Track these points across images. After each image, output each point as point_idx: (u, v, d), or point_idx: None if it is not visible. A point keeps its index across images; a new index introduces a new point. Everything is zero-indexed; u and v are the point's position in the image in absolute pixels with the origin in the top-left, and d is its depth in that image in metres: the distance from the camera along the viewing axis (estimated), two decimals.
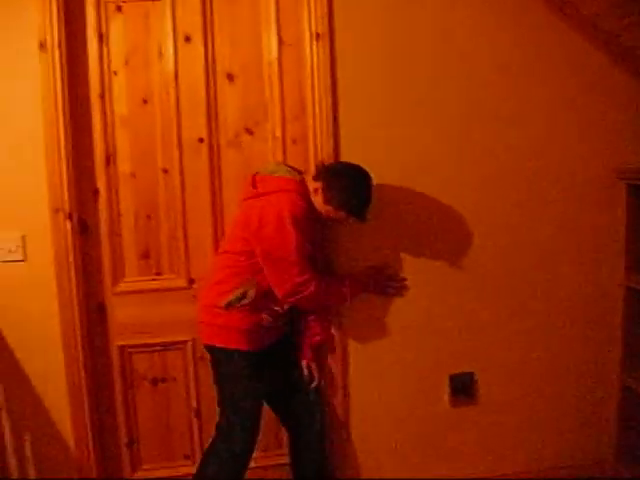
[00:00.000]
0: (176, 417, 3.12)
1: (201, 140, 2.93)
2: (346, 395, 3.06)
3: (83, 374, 2.90)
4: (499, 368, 3.12)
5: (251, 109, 2.93)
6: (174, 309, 3.02)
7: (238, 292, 2.62)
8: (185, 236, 2.99)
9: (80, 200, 2.87)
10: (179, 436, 3.13)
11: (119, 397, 3.05)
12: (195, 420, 3.11)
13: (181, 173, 2.95)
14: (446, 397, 3.09)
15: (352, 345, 3.02)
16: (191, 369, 3.08)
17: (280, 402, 2.90)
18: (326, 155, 2.87)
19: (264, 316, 2.67)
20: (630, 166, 3.03)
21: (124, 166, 2.92)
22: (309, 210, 2.61)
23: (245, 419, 2.67)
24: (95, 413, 2.97)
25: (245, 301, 2.61)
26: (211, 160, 2.95)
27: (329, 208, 2.65)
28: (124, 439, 3.08)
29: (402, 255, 2.99)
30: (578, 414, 3.23)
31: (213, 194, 2.97)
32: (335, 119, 2.88)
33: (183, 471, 3.09)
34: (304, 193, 2.64)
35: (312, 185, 2.67)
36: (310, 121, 2.91)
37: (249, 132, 2.95)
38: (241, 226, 2.65)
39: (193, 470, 2.82)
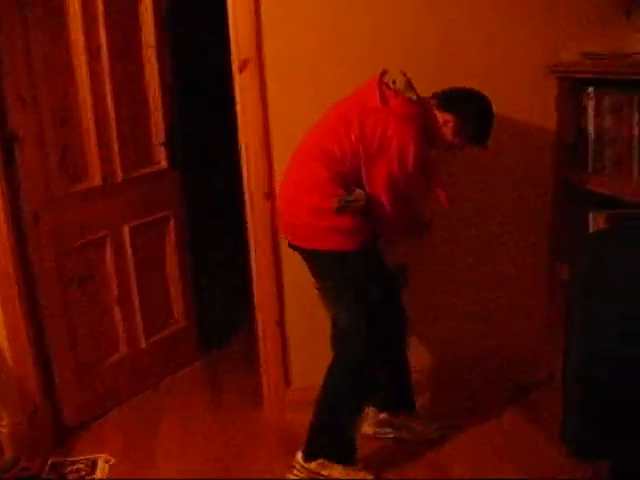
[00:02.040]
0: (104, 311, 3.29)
1: None
2: None
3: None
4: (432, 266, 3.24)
5: None
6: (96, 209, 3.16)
7: (350, 195, 2.53)
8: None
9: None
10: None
11: (55, 299, 3.09)
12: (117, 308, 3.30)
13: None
14: None
15: None
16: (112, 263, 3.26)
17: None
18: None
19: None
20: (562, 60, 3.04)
21: None
22: (426, 144, 2.58)
23: (368, 315, 2.65)
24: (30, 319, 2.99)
25: (358, 203, 2.54)
26: None
27: (459, 139, 2.65)
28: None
29: None
30: (511, 305, 3.38)
31: None
32: None
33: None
34: (425, 124, 2.58)
35: (441, 117, 2.61)
36: None
37: None
38: (353, 133, 2.52)
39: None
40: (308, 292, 3.10)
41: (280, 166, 2.95)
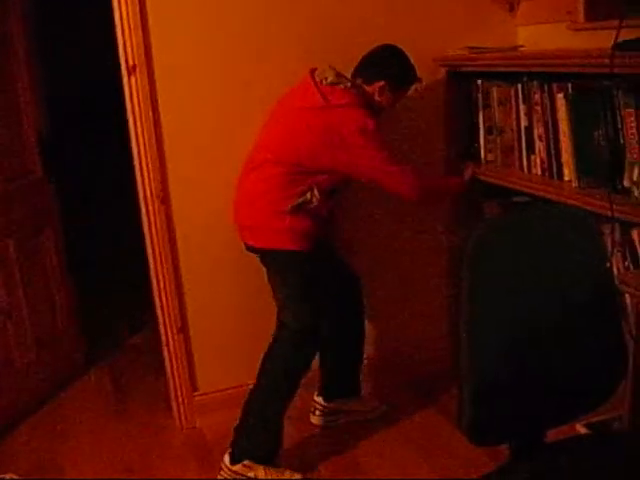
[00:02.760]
0: None
1: None
2: None
3: None
4: None
5: None
6: None
7: (304, 196, 2.62)
8: None
9: None
10: None
11: None
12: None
13: None
14: None
15: None
16: None
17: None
18: None
19: (324, 215, 2.73)
20: (448, 54, 3.10)
21: None
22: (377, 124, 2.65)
23: (315, 307, 2.77)
24: None
25: (312, 205, 2.64)
26: None
27: (400, 93, 2.80)
28: None
29: None
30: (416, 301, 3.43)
31: None
32: None
33: None
34: (368, 105, 2.69)
35: (372, 88, 2.72)
36: None
37: None
38: (300, 136, 2.62)
39: None
40: (210, 297, 3.09)
41: (174, 171, 2.93)
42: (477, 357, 1.60)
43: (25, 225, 3.41)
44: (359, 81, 2.73)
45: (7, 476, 2.91)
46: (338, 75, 2.69)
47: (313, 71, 2.69)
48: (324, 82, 2.66)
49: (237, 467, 2.72)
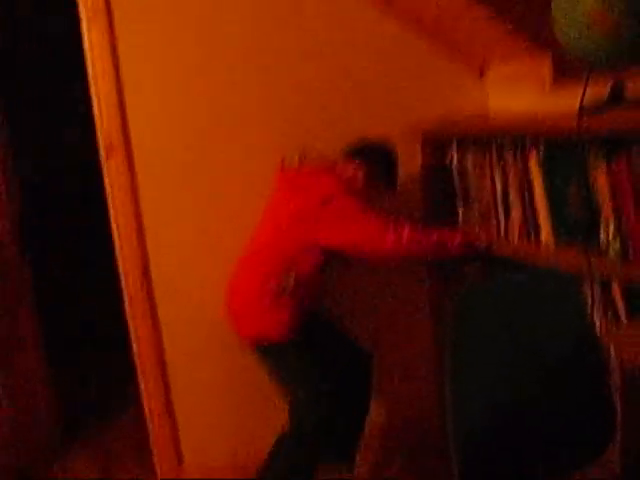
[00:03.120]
0: None
1: None
2: None
3: None
4: None
5: None
6: None
7: (280, 282, 2.65)
8: None
9: None
10: None
11: None
12: None
13: None
14: None
15: None
16: None
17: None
18: None
19: (305, 302, 2.73)
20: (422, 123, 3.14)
21: None
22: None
23: (328, 405, 2.75)
24: None
25: (288, 289, 2.66)
26: None
27: (371, 183, 2.80)
28: None
29: None
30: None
31: None
32: None
33: None
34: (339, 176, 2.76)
35: (350, 166, 2.80)
36: None
37: None
38: (284, 217, 2.70)
39: None
40: (195, 371, 3.06)
41: (153, 245, 2.95)
42: (462, 418, 1.59)
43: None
44: (341, 158, 2.85)
45: None
46: (301, 157, 2.86)
47: (283, 160, 2.89)
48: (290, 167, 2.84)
49: None
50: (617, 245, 2.26)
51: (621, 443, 2.07)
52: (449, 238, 2.75)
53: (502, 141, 2.76)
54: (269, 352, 2.75)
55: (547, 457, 1.74)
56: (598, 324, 2.40)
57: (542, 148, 2.54)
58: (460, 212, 3.08)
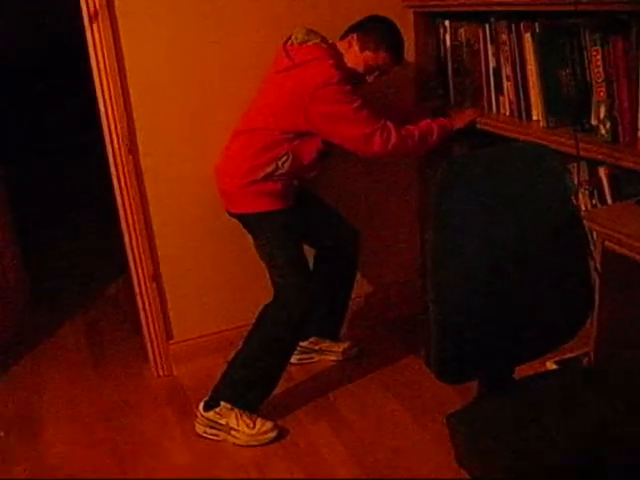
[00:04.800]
0: None
1: None
2: None
3: None
4: None
5: None
6: None
7: (274, 164, 2.64)
8: None
9: None
10: None
11: None
12: None
13: None
14: None
15: None
16: None
17: (318, 234, 3.01)
18: None
19: (295, 182, 2.74)
20: None
21: None
22: (346, 78, 2.59)
23: (299, 271, 2.76)
24: None
25: (281, 171, 2.65)
26: None
27: (367, 54, 2.67)
28: None
29: None
30: (389, 241, 3.44)
31: None
32: None
33: None
34: (338, 61, 2.63)
35: (344, 44, 2.70)
36: None
37: None
38: (276, 100, 2.64)
39: None
40: (181, 245, 3.08)
41: (141, 120, 2.89)
42: (443, 293, 1.62)
43: None
44: (345, 40, 2.72)
45: None
46: (308, 33, 2.67)
47: (289, 38, 2.70)
48: (294, 42, 2.66)
49: (210, 414, 2.75)
50: (608, 128, 2.26)
51: (597, 321, 2.13)
52: (429, 132, 2.73)
53: (497, 17, 2.70)
54: (255, 223, 2.77)
55: (526, 336, 1.79)
56: (584, 205, 2.43)
57: (538, 25, 2.49)
58: (451, 88, 3.04)
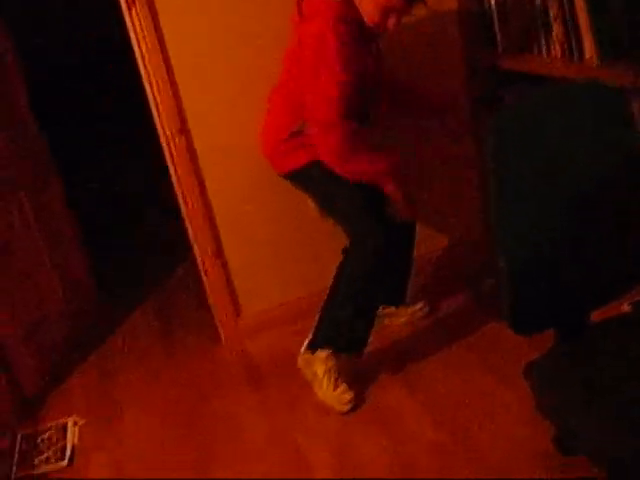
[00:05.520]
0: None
1: None
2: None
3: None
4: None
5: None
6: None
7: (300, 122, 2.58)
8: None
9: None
10: None
11: None
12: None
13: None
14: None
15: None
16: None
17: None
18: None
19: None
20: None
21: None
22: (353, 33, 2.46)
23: (363, 213, 2.64)
24: None
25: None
26: None
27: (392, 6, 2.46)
28: None
29: None
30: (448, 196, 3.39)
31: None
32: None
33: None
34: (345, 15, 2.47)
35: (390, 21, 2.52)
36: None
37: None
38: (288, 56, 2.64)
39: None
40: (241, 218, 3.09)
41: (189, 100, 2.90)
42: (510, 242, 1.59)
43: (33, 178, 3.45)
44: None
45: (70, 419, 3.00)
46: None
47: None
48: None
49: (307, 355, 2.78)
50: None
51: None
52: (373, 164, 2.57)
53: None
54: (301, 179, 2.72)
55: (599, 279, 1.75)
56: None
57: None
58: (498, 34, 2.96)
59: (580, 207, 1.68)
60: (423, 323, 3.16)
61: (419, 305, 3.19)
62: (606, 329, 1.81)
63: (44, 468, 2.76)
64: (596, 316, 1.82)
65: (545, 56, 2.74)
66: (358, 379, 2.83)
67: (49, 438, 2.91)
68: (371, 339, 2.80)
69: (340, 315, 2.72)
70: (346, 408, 2.71)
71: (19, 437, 2.95)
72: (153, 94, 2.87)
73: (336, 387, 2.73)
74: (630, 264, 1.79)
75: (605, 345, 1.75)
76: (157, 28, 2.78)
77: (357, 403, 2.72)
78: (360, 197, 2.64)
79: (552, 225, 1.64)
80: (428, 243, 3.40)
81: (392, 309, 3.15)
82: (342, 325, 2.73)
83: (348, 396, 2.72)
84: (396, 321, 3.16)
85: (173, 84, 2.86)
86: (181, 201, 3.03)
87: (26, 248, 3.28)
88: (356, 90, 2.51)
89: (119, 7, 2.77)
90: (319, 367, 2.75)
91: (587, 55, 2.52)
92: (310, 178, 2.70)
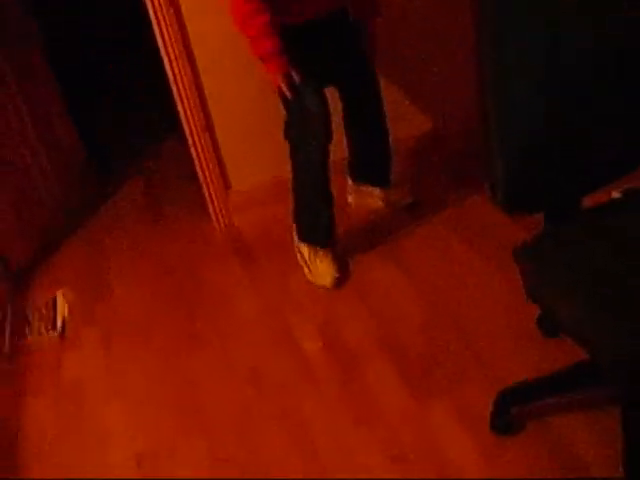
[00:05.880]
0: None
1: None
2: None
3: None
4: None
5: None
6: None
7: None
8: None
9: None
10: None
11: None
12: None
13: None
14: None
15: None
16: None
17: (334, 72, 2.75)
18: None
19: None
20: None
21: None
22: None
23: (308, 87, 2.53)
24: None
25: None
26: None
27: None
28: None
29: None
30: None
31: None
32: None
33: None
34: None
35: None
36: None
37: None
38: None
39: None
40: (231, 92, 3.02)
41: None
42: (506, 116, 1.52)
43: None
44: None
45: (59, 292, 3.03)
46: None
47: None
48: None
49: (295, 243, 2.84)
50: None
51: None
52: (261, 42, 2.43)
53: None
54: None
55: (593, 163, 1.71)
56: None
57: None
58: None
59: (580, 83, 1.61)
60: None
61: (401, 191, 3.12)
62: (595, 214, 1.79)
63: (37, 339, 2.81)
64: (586, 203, 1.81)
65: None
66: (345, 255, 2.86)
67: (39, 310, 2.95)
68: (357, 215, 2.79)
69: (296, 207, 2.77)
70: (329, 281, 2.74)
71: (9, 311, 2.98)
72: None
73: (320, 264, 2.77)
74: (623, 150, 1.75)
75: (593, 229, 1.74)
76: None
77: (341, 277, 2.75)
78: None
79: (550, 99, 1.57)
80: (414, 120, 3.34)
81: (375, 190, 3.10)
82: (300, 217, 2.79)
83: (331, 271, 2.75)
84: (375, 204, 3.11)
85: None
86: (169, 72, 2.94)
87: (10, 120, 3.21)
88: None
89: None
90: (304, 250, 2.80)
91: None
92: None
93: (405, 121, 3.28)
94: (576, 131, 1.65)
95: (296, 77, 2.50)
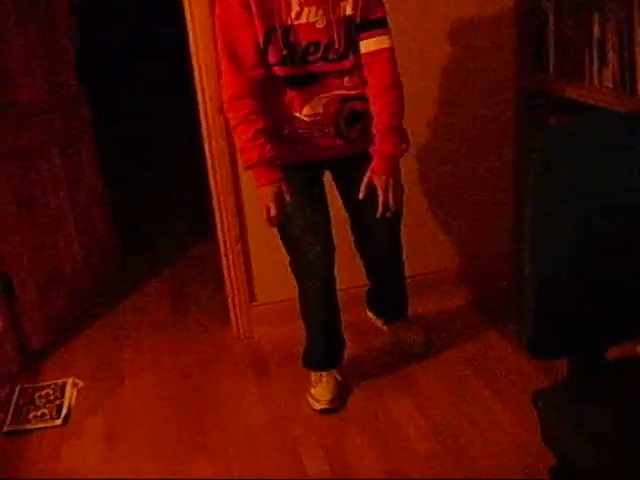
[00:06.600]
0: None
1: None
2: None
3: None
4: None
5: None
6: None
7: None
8: None
9: None
10: None
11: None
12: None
13: None
14: None
15: None
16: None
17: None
18: None
19: (285, 128, 2.41)
20: None
21: None
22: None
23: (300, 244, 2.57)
24: None
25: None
26: None
27: None
28: None
29: None
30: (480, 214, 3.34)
31: None
32: None
33: None
34: None
35: None
36: None
37: None
38: None
39: None
40: None
41: None
42: (542, 263, 1.55)
43: (67, 135, 3.48)
44: None
45: (69, 380, 3.01)
46: None
47: None
48: None
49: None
50: None
51: None
52: (243, 149, 2.38)
53: None
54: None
55: (623, 314, 1.71)
56: None
57: None
58: (551, 59, 2.92)
59: (615, 236, 1.64)
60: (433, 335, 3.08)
61: (418, 338, 3.03)
62: (622, 368, 1.78)
63: (38, 424, 2.77)
64: (610, 354, 1.79)
65: (597, 84, 2.70)
66: (359, 383, 2.83)
67: (47, 395, 2.92)
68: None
69: (306, 333, 2.78)
70: (319, 407, 2.70)
71: (17, 390, 2.96)
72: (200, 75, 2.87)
73: (313, 389, 2.75)
74: None
75: (621, 385, 1.71)
76: None
77: (335, 406, 2.70)
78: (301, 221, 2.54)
79: (585, 249, 1.60)
80: (446, 254, 3.37)
81: (397, 329, 3.05)
82: (307, 343, 2.80)
83: (324, 397, 2.70)
84: (390, 338, 3.08)
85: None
86: (212, 181, 3.02)
87: (50, 205, 3.30)
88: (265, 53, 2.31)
89: None
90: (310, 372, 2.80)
91: None
92: None
93: (426, 256, 3.31)
94: (607, 281, 1.67)
95: (287, 196, 2.39)
